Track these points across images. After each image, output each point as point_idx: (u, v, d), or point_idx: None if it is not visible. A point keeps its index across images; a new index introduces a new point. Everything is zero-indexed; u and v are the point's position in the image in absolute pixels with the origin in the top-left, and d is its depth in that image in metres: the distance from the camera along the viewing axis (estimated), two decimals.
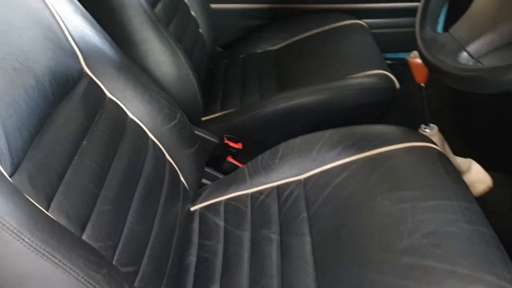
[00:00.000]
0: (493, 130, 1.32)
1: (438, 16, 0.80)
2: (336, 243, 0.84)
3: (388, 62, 1.43)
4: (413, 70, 1.10)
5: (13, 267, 0.53)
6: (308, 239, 0.87)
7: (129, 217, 0.75)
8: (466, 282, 0.68)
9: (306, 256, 0.85)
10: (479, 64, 0.70)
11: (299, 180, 0.99)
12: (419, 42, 0.78)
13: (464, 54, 0.71)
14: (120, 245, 0.70)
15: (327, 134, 1.03)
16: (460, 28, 0.75)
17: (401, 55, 1.86)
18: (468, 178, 1.24)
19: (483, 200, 1.22)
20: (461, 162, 1.26)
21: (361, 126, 1.03)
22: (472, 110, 1.34)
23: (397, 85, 1.26)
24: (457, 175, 0.92)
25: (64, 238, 0.57)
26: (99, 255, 0.62)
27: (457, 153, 1.24)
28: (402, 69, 1.41)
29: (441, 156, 0.96)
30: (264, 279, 0.84)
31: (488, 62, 0.70)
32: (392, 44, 1.65)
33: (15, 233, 0.52)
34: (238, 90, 1.42)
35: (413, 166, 0.92)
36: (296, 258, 0.85)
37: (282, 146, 1.05)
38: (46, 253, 0.53)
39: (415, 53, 1.07)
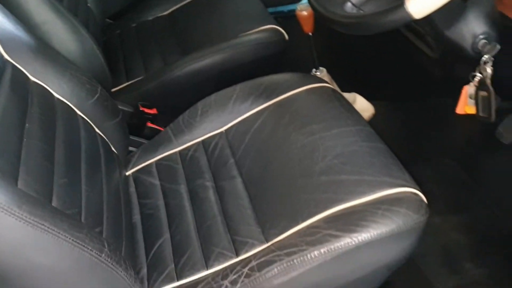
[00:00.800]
0: (370, 67, 1.54)
1: None
2: (264, 179, 0.98)
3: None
4: (301, 22, 1.25)
5: (9, 240, 0.58)
6: (239, 180, 1.00)
7: (83, 187, 0.82)
8: (372, 186, 0.86)
9: (240, 194, 0.98)
10: (361, 11, 0.86)
11: (221, 132, 1.11)
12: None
13: (349, 4, 0.86)
14: (83, 211, 0.77)
15: (237, 88, 1.15)
16: None
17: (279, 8, 2.03)
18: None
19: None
20: (347, 96, 1.47)
21: (265, 77, 1.17)
22: (352, 52, 1.55)
23: (286, 36, 1.41)
24: (350, 106, 1.10)
25: (45, 208, 0.64)
26: (75, 218, 0.69)
27: (343, 89, 1.45)
28: (282, 21, 1.57)
29: (335, 92, 1.14)
30: (209, 220, 0.96)
31: (367, 8, 0.86)
32: None
33: (5, 210, 0.57)
34: (139, 59, 1.47)
35: (315, 104, 1.08)
36: (232, 197, 0.98)
37: (199, 105, 1.15)
38: (35, 223, 0.60)
39: (301, 6, 1.23)
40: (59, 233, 0.62)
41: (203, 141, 1.12)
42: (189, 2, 1.64)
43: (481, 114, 0.96)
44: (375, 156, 0.93)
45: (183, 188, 1.04)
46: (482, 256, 1.15)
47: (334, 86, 1.37)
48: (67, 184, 0.77)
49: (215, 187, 1.02)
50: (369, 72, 1.55)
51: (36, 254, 0.61)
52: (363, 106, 1.47)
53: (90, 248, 0.65)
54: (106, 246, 0.69)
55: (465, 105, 0.99)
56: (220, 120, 1.12)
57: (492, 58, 0.92)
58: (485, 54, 0.91)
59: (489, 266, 1.13)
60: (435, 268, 1.14)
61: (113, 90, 1.36)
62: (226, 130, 1.11)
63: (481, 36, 0.91)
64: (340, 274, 0.80)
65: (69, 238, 0.63)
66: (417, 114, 1.48)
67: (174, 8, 1.64)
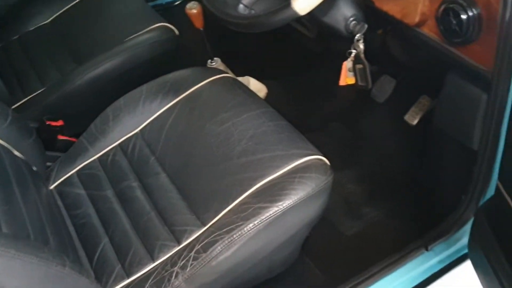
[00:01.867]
0: (258, 51, 1.68)
1: None
2: (187, 170, 1.07)
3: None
4: (192, 19, 1.33)
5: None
6: (163, 175, 1.08)
7: (23, 210, 0.85)
8: (285, 159, 1.00)
9: (168, 187, 1.06)
10: (253, 11, 0.97)
11: (137, 133, 1.17)
12: (205, 1, 1.01)
13: (241, 5, 0.97)
14: (31, 232, 0.81)
15: (144, 88, 1.21)
16: None
17: (158, 1, 2.08)
18: None
19: None
20: (241, 80, 1.59)
21: (169, 75, 1.24)
22: (241, 39, 1.66)
23: (177, 32, 1.48)
24: (250, 91, 1.23)
25: (7, 237, 0.67)
26: (31, 239, 0.73)
27: (236, 74, 1.57)
28: (168, 16, 1.63)
29: (235, 80, 1.25)
30: (144, 216, 1.03)
31: (258, 8, 0.98)
32: None
33: None
34: (32, 72, 1.44)
35: (220, 94, 1.19)
36: (161, 192, 1.06)
37: (109, 110, 1.19)
38: (2, 252, 0.63)
39: (190, 5, 1.31)
40: (25, 257, 0.66)
41: (120, 144, 1.17)
42: (69, 8, 1.62)
43: (360, 83, 1.14)
44: (281, 132, 1.07)
45: (110, 193, 1.10)
46: (376, 200, 1.36)
47: (230, 73, 1.48)
48: (10, 210, 0.80)
49: (142, 186, 1.09)
50: (258, 56, 1.69)
51: (8, 280, 0.65)
52: (257, 87, 1.61)
53: (55, 264, 0.70)
54: (67, 259, 0.74)
55: (346, 78, 1.17)
56: (133, 122, 1.18)
57: (363, 36, 1.09)
58: (357, 33, 1.08)
59: (383, 207, 1.35)
60: (341, 218, 1.34)
61: (13, 107, 1.33)
62: (141, 130, 1.17)
63: (351, 18, 1.08)
64: (273, 238, 0.94)
65: (35, 259, 0.67)
66: (305, 88, 1.66)
67: (55, 15, 1.62)
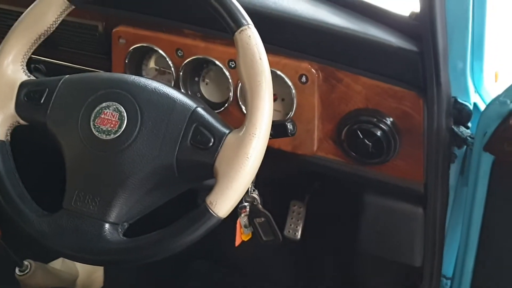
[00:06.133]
0: None
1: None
2: None
3: None
4: None
5: None
6: None
7: None
8: None
9: None
10: (125, 225, 0.58)
11: None
12: (35, 235, 0.57)
13: (107, 227, 0.57)
14: None
15: None
16: (75, 199, 0.59)
17: None
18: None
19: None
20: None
21: None
22: None
23: None
24: None
25: None
26: None
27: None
28: None
29: None
30: None
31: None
32: None
33: None
34: None
35: None
36: None
37: None
38: None
39: None
40: None
41: None
42: None
43: (265, 238, 0.88)
44: None
45: None
46: None
47: (60, 271, 1.01)
48: None
49: None
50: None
51: None
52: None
53: None
54: None
55: (241, 235, 0.88)
56: None
57: (253, 184, 0.83)
58: None
59: None
60: None
61: None
62: None
63: None
64: None
65: None
66: None
67: None
